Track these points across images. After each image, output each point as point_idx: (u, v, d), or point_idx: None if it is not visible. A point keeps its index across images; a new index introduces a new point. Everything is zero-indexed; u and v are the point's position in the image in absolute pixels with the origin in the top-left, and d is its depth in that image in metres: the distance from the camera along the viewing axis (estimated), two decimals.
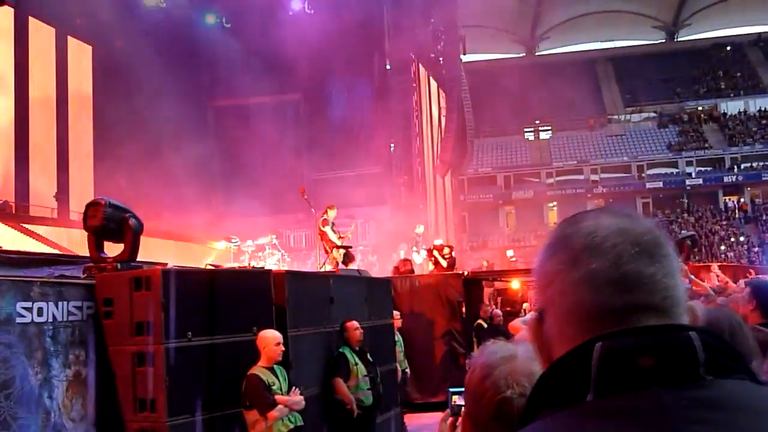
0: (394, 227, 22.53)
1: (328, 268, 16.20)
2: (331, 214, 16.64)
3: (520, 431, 1.09)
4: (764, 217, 56.28)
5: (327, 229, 16.46)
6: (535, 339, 1.22)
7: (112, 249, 8.27)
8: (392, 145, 28.55)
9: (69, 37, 23.91)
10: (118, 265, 7.83)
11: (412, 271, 18.20)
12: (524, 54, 73.91)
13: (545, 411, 1.07)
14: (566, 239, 1.17)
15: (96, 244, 8.14)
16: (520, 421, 1.12)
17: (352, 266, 16.04)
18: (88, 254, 8.33)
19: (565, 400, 1.05)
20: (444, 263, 18.67)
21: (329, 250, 16.42)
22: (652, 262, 1.11)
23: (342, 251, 16.44)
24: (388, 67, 29.31)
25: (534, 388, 1.12)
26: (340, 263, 16.14)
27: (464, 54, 46.99)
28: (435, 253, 19.14)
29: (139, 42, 23.84)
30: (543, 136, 65.60)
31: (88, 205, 8.22)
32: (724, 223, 56.37)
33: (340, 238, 16.55)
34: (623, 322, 1.08)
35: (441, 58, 37.41)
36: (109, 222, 8.00)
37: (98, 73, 24.51)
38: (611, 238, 1.13)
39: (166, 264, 9.51)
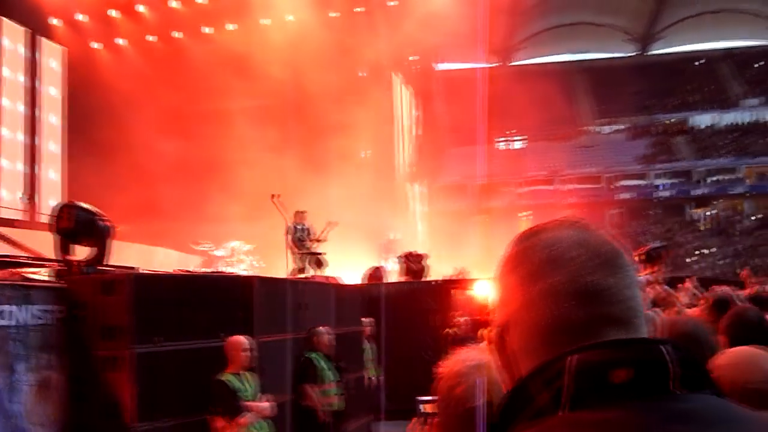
0: (366, 235, 22.52)
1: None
2: (300, 220, 16.38)
3: None
4: (731, 230, 56.87)
5: (289, 237, 16.17)
6: (498, 355, 1.20)
7: (82, 253, 8.23)
8: (365, 152, 28.59)
9: (42, 38, 23.72)
10: (88, 269, 7.79)
11: (384, 279, 18.23)
12: (499, 64, 74.25)
13: (518, 426, 1.05)
14: (526, 253, 1.17)
15: (65, 247, 8.09)
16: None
17: (322, 272, 16.03)
18: (56, 257, 8.28)
19: (537, 413, 1.04)
20: (416, 271, 18.69)
21: (294, 256, 16.26)
22: (612, 274, 1.12)
23: (309, 257, 16.31)
24: (361, 74, 29.37)
25: (504, 401, 1.10)
26: (308, 269, 16.06)
27: (439, 63, 47.09)
28: (407, 260, 19.16)
29: (114, 44, 23.75)
30: (516, 145, 65.90)
31: (59, 208, 8.18)
32: (692, 235, 56.90)
33: (312, 241, 16.40)
34: (589, 335, 1.08)
35: (415, 67, 37.52)
36: (79, 225, 7.96)
37: (71, 74, 24.33)
38: (571, 250, 1.13)
39: (137, 268, 9.47)
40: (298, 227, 16.28)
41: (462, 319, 14.70)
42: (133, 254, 17.76)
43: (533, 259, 1.15)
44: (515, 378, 1.14)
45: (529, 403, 1.05)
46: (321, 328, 9.74)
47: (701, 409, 1.01)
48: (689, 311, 8.75)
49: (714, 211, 58.93)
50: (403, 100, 36.47)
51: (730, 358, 2.66)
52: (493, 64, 73.81)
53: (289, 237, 16.13)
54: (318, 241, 16.46)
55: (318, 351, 9.62)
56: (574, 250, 1.14)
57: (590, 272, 1.11)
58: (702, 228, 57.13)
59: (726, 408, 1.04)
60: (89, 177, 20.97)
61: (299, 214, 16.37)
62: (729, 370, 2.48)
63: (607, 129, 64.97)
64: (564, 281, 1.11)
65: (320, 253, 16.43)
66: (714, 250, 54.69)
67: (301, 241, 16.19)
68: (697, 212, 59.15)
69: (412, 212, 36.72)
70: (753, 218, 58.57)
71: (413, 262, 19.09)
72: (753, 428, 1.02)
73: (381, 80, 31.29)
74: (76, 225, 7.94)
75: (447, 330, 15.11)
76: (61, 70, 24.30)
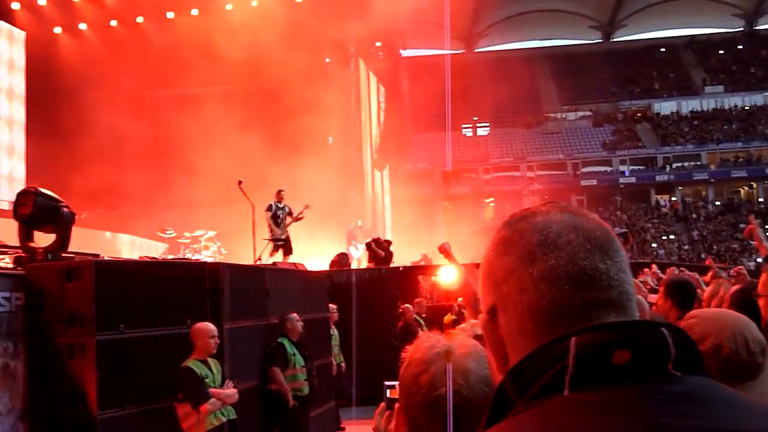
0: (331, 221, 22.49)
1: (266, 259, 16.30)
2: (279, 199, 17.41)
3: (493, 427, 1.07)
4: (693, 216, 57.58)
5: (269, 214, 17.14)
6: (489, 338, 1.20)
7: (43, 239, 8.11)
8: (330, 138, 28.53)
9: (1, 21, 23.34)
10: (49, 256, 7.69)
11: (349, 265, 18.23)
12: (463, 50, 74.33)
13: (518, 406, 1.05)
14: (519, 235, 1.17)
15: (26, 234, 7.97)
16: (488, 419, 1.09)
17: (291, 259, 16.14)
18: (17, 244, 8.16)
19: (539, 393, 1.04)
20: (381, 257, 18.71)
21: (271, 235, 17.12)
22: (606, 258, 1.13)
23: (277, 243, 16.59)
24: (327, 60, 29.27)
25: (502, 383, 1.10)
26: (274, 255, 16.32)
27: (404, 49, 47.07)
28: (373, 246, 19.17)
29: (75, 29, 23.43)
30: (481, 132, 66.13)
31: (19, 194, 8.05)
32: (656, 221, 57.56)
33: (292, 219, 17.30)
34: (586, 319, 1.09)
35: (381, 53, 37.45)
36: (40, 211, 7.84)
37: (31, 58, 23.97)
38: (565, 234, 1.14)
39: (99, 255, 9.36)
40: (278, 205, 17.25)
41: (406, 306, 14.58)
42: (97, 241, 17.59)
43: (527, 241, 1.15)
44: (506, 360, 1.15)
45: (532, 384, 1.05)
46: (292, 314, 9.72)
47: (700, 391, 1.03)
48: (651, 297, 8.85)
49: (677, 198, 59.60)
50: (369, 86, 36.40)
51: (705, 313, 2.85)
52: (458, 51, 73.92)
53: (269, 214, 17.06)
54: (295, 219, 17.33)
55: (289, 337, 9.61)
56: (568, 234, 1.14)
57: (585, 257, 1.12)
58: (665, 214, 57.79)
59: (722, 391, 1.05)
60: (50, 163, 20.70)
61: (279, 193, 17.40)
62: (699, 326, 2.64)
63: (571, 116, 65.43)
64: (560, 265, 1.12)
65: (286, 241, 16.72)
66: (677, 236, 55.33)
67: (277, 218, 17.08)
68: (661, 198, 59.84)
69: (378, 199, 36.70)
70: (716, 204, 59.35)
71: (379, 249, 19.12)
72: (749, 412, 1.02)
73: (346, 66, 31.19)
74: (36, 211, 7.81)
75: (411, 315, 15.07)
76: (21, 55, 23.92)
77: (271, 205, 17.32)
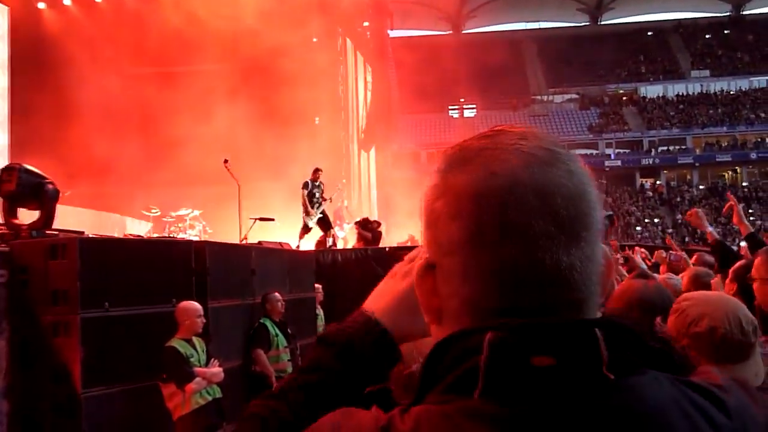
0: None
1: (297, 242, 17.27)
2: (318, 176, 17.97)
3: (400, 411, 0.99)
4: (678, 199, 57.84)
5: (303, 192, 17.70)
6: (421, 286, 1.09)
7: (28, 217, 8.06)
8: (317, 118, 28.43)
9: None
10: (34, 233, 7.63)
11: (335, 245, 18.22)
12: (451, 32, 74.18)
13: (430, 396, 0.98)
14: (475, 199, 1.00)
15: (9, 211, 7.91)
16: (414, 400, 1.00)
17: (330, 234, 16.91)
18: (0, 221, 8.10)
19: (451, 387, 0.96)
20: (370, 238, 18.70)
21: (303, 214, 17.71)
22: (573, 244, 0.99)
23: (314, 217, 17.19)
24: (314, 40, 29.09)
25: (423, 366, 1.01)
26: (311, 228, 17.68)
27: (391, 29, 46.91)
28: (362, 227, 19.16)
29: (60, 4, 23.19)
30: (467, 114, 66.12)
31: (3, 170, 7.99)
32: (641, 204, 57.80)
33: (323, 199, 17.94)
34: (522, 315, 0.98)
35: (368, 33, 37.28)
36: (24, 188, 7.78)
37: (14, 33, 23.71)
38: (528, 208, 0.97)
39: (83, 232, 9.31)
40: (315, 183, 17.74)
41: None
42: (82, 219, 17.49)
43: (481, 215, 0.99)
44: (438, 316, 1.07)
45: (444, 373, 0.98)
46: (273, 293, 9.68)
47: (631, 400, 0.94)
48: (672, 256, 8.91)
49: (662, 181, 59.87)
50: (356, 66, 36.26)
51: (699, 296, 2.85)
52: (445, 32, 73.80)
53: (305, 192, 17.57)
54: (325, 200, 18.02)
55: (271, 317, 9.58)
56: (532, 210, 0.97)
57: (547, 246, 0.97)
58: (650, 197, 58.06)
59: (658, 394, 0.96)
60: (33, 140, 20.54)
61: (316, 172, 17.92)
62: (693, 308, 2.65)
63: (558, 98, 65.52)
64: (515, 257, 0.97)
65: (323, 216, 17.98)
66: (661, 219, 55.61)
67: (313, 196, 17.61)
68: (646, 182, 60.10)
69: (365, 179, 36.66)
70: (701, 188, 59.66)
71: (366, 230, 19.09)
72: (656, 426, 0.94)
73: (333, 46, 31.05)
74: (20, 188, 7.75)
75: None
76: (4, 30, 23.66)
77: (307, 183, 17.65)
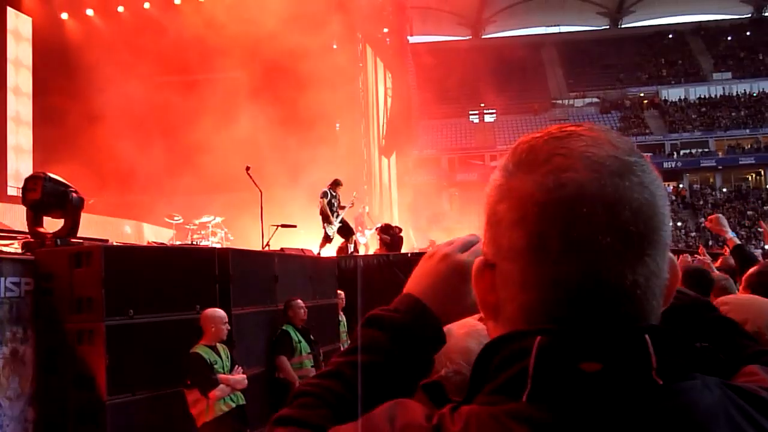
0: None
1: (320, 244, 17.48)
2: (337, 188, 17.94)
3: (450, 410, 0.99)
4: (701, 203, 57.45)
5: (322, 201, 17.67)
6: (479, 287, 1.09)
7: (52, 225, 8.10)
8: (338, 124, 28.48)
9: (8, 7, 23.29)
10: (58, 241, 7.68)
11: (357, 251, 18.23)
12: (470, 36, 74.14)
13: (479, 396, 0.99)
14: (540, 210, 0.98)
15: (35, 219, 7.96)
16: (464, 399, 1.01)
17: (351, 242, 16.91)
18: (25, 229, 8.15)
19: (501, 389, 0.96)
20: (392, 243, 18.68)
21: (323, 223, 17.71)
22: (639, 262, 0.96)
23: (334, 226, 17.60)
24: (334, 46, 29.15)
25: (474, 364, 1.03)
26: (332, 238, 17.69)
27: (411, 35, 46.94)
28: (383, 232, 19.14)
29: (82, 14, 23.36)
30: (488, 119, 66.04)
31: (28, 179, 8.04)
32: None
33: (340, 208, 17.94)
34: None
35: (388, 39, 37.32)
36: (49, 196, 7.83)
37: (37, 44, 23.93)
38: (594, 223, 0.95)
39: (108, 240, 9.35)
40: (333, 193, 17.79)
41: None
42: (104, 227, 17.60)
43: (545, 225, 0.97)
44: (495, 312, 1.07)
45: (494, 374, 0.98)
46: (295, 301, 9.69)
47: (682, 406, 0.93)
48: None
49: (684, 185, 59.51)
50: (377, 72, 36.31)
51: (737, 299, 2.86)
52: (465, 37, 73.76)
53: (324, 201, 17.61)
54: (342, 207, 18.02)
55: (293, 324, 9.58)
56: (598, 225, 0.95)
57: (613, 263, 0.95)
58: (673, 201, 57.71)
59: (708, 401, 0.94)
60: (57, 147, 20.70)
61: (337, 185, 17.94)
62: (733, 312, 2.57)
63: (579, 102, 65.28)
64: (575, 272, 0.95)
65: (343, 224, 17.97)
66: (684, 222, 55.25)
67: (331, 206, 17.65)
68: (669, 185, 59.77)
69: (386, 185, 36.65)
70: (724, 191, 59.23)
71: (390, 235, 19.06)
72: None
73: (353, 52, 31.10)
74: (45, 197, 7.80)
75: None
76: (28, 40, 23.88)
77: (326, 192, 17.68)
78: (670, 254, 1.02)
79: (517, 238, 1.00)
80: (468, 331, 1.89)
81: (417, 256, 14.10)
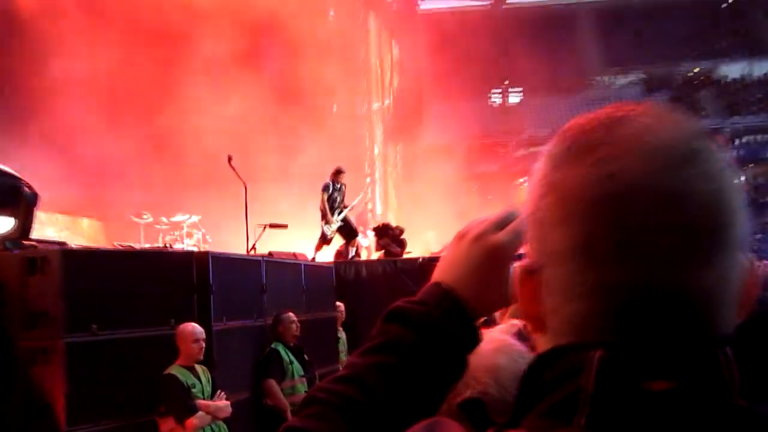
0: None
1: (316, 246, 17.43)
2: (339, 177, 17.69)
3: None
4: (766, 199, 57.30)
5: (323, 195, 17.48)
6: (522, 295, 1.08)
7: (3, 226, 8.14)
8: (335, 105, 28.47)
9: None
10: (8, 244, 7.71)
11: (358, 256, 18.24)
12: (491, 3, 74.03)
13: (526, 420, 0.97)
14: (587, 207, 0.97)
15: None
16: (509, 421, 1.01)
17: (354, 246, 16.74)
18: None
19: (551, 411, 0.94)
20: (397, 246, 18.69)
21: (321, 221, 17.59)
22: (706, 264, 0.95)
23: (333, 225, 17.38)
24: (331, 13, 29.18)
25: (520, 383, 1.02)
26: (331, 239, 17.57)
27: (422, 1, 46.90)
28: (382, 234, 19.13)
29: None
30: (512, 100, 65.96)
31: None
32: None
33: (344, 206, 17.74)
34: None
35: (394, 5, 37.33)
36: None
37: None
38: (651, 221, 0.94)
39: (66, 243, 9.39)
40: (336, 186, 17.55)
41: None
42: (61, 227, 17.61)
43: (593, 224, 0.97)
44: (541, 323, 1.06)
45: (543, 394, 0.97)
46: (286, 314, 9.71)
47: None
48: None
49: (745, 178, 59.33)
50: (381, 44, 36.29)
51: None
52: (485, 3, 73.64)
53: (325, 195, 17.40)
54: (346, 206, 17.81)
55: (284, 341, 9.60)
56: (658, 226, 0.94)
57: (676, 267, 0.94)
58: None
59: None
60: (4, 138, 20.70)
61: (339, 173, 17.62)
62: None
63: (620, 80, 65.17)
64: (632, 280, 0.94)
65: (345, 224, 17.72)
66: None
67: (333, 201, 17.47)
68: None
69: (391, 178, 36.65)
70: None
71: (390, 237, 19.06)
72: None
73: (354, 20, 31.08)
74: None
75: None
76: None
77: (327, 185, 17.45)
78: (748, 256, 1.01)
79: (562, 239, 0.99)
80: (497, 346, 1.90)
81: (430, 262, 14.08)
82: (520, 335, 1.99)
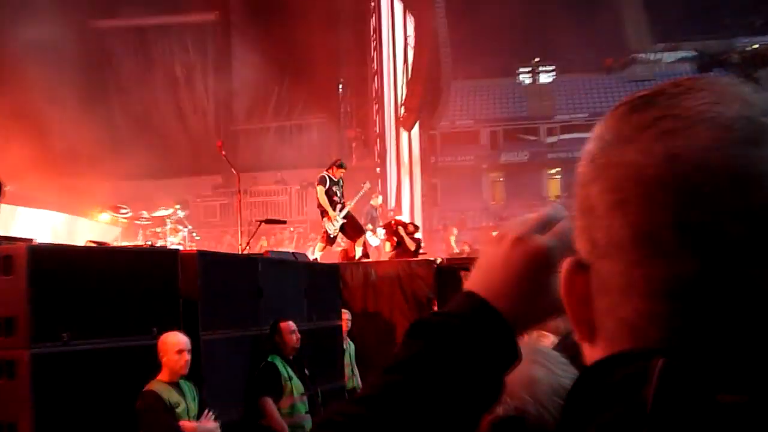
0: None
1: (319, 246, 17.44)
2: (337, 172, 17.66)
3: None
4: None
5: (319, 189, 17.44)
6: (570, 296, 1.07)
7: None
8: (341, 84, 28.46)
9: None
10: None
11: (367, 257, 18.23)
12: None
13: None
14: (645, 190, 0.95)
15: None
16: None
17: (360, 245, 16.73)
18: None
19: (606, 430, 0.92)
20: (411, 246, 18.68)
21: (322, 219, 17.60)
22: None
23: (336, 222, 17.20)
24: None
25: (567, 399, 1.00)
26: (335, 238, 17.57)
27: None
28: (400, 230, 19.11)
29: None
30: (544, 79, 65.89)
31: None
32: None
33: (343, 203, 17.67)
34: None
35: None
36: None
37: None
38: (719, 206, 0.92)
39: (32, 240, 9.40)
40: (334, 179, 17.56)
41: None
42: (27, 221, 17.66)
43: (653, 210, 0.94)
44: (590, 328, 1.04)
45: (596, 411, 0.94)
46: (285, 323, 9.70)
47: None
48: None
49: None
50: (393, 15, 36.30)
51: None
52: None
53: (321, 189, 17.38)
54: (346, 203, 17.74)
55: (282, 354, 9.59)
56: (727, 213, 0.92)
57: (748, 260, 0.91)
58: None
59: None
60: None
61: (338, 168, 17.71)
62: None
63: (669, 57, 65.02)
64: (698, 274, 0.92)
65: (348, 220, 17.68)
66: None
67: (333, 195, 17.48)
68: None
69: (405, 167, 36.67)
70: None
71: (403, 235, 19.05)
72: None
73: None
74: None
75: None
76: None
77: (324, 178, 17.47)
78: None
79: (616, 229, 0.98)
80: (535, 358, 1.88)
81: (451, 264, 14.11)
82: (560, 345, 1.97)
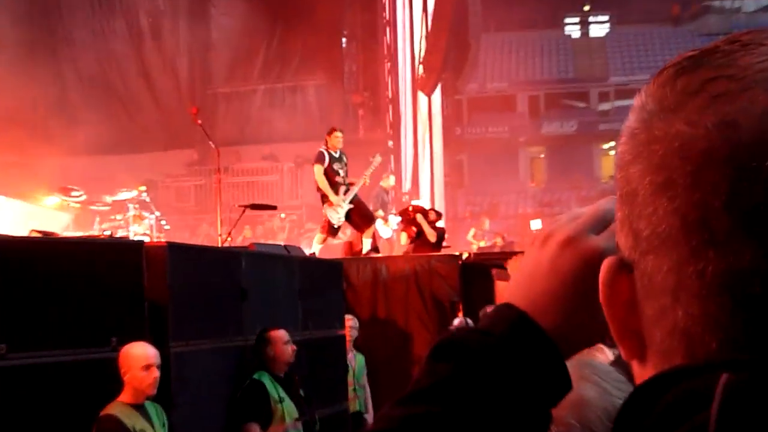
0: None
1: (318, 237, 17.31)
2: (334, 142, 17.25)
3: None
4: None
5: (317, 169, 17.09)
6: (612, 302, 1.06)
7: None
8: (345, 37, 28.48)
9: None
10: None
11: (377, 251, 18.24)
12: None
13: None
14: (698, 166, 0.93)
15: None
16: None
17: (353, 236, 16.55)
18: None
19: None
20: (431, 237, 18.68)
21: (322, 205, 17.34)
22: None
23: (341, 209, 16.90)
24: None
25: (616, 423, 0.99)
26: (339, 228, 17.43)
27: None
28: (419, 218, 19.09)
29: None
30: (595, 32, 65.88)
31: None
32: None
33: (350, 184, 17.44)
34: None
35: None
36: None
37: None
38: None
39: None
40: (334, 154, 17.25)
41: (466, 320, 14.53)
42: None
43: (707, 191, 0.93)
44: (639, 338, 1.02)
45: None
46: (276, 332, 9.71)
47: None
48: None
49: None
50: None
51: None
52: None
53: (320, 168, 17.03)
54: (353, 183, 17.52)
55: (271, 370, 9.61)
56: None
57: None
58: None
59: None
60: None
61: (333, 134, 17.19)
62: None
63: (750, 5, 64.93)
64: (763, 266, 0.90)
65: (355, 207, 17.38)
66: None
67: (335, 175, 17.21)
68: None
69: (423, 141, 36.69)
70: None
71: (423, 224, 19.07)
72: None
73: None
74: None
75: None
76: None
77: (321, 154, 17.18)
78: None
79: (662, 217, 0.97)
80: (584, 375, 1.89)
81: (479, 260, 14.19)
82: (617, 360, 1.98)
